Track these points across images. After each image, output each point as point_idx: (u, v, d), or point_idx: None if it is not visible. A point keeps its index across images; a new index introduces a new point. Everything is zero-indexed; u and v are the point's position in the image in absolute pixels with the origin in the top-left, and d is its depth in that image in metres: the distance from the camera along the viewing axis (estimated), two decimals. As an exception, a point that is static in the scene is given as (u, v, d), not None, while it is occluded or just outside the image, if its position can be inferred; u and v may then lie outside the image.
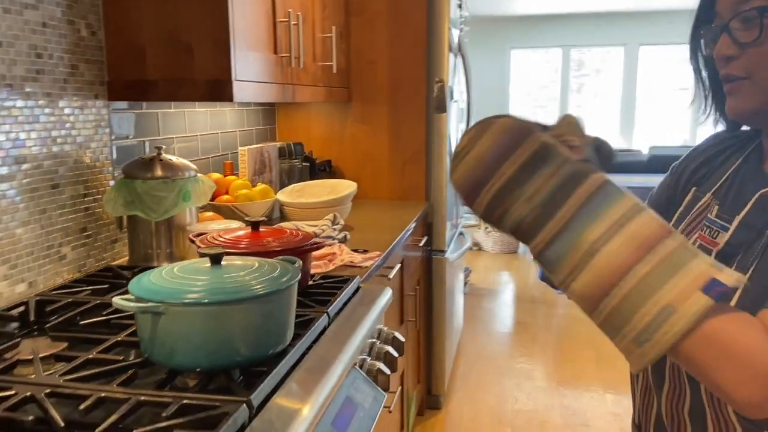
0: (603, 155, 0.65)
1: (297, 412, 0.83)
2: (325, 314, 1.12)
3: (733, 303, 0.70)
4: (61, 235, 1.36)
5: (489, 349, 3.43)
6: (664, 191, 0.94)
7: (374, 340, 1.27)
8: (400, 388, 2.02)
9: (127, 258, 1.54)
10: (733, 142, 0.87)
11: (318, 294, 1.24)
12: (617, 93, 7.51)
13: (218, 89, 1.41)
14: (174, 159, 1.49)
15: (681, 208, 0.88)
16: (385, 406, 1.76)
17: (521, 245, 5.78)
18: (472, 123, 2.88)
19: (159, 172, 1.44)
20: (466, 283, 4.50)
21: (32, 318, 1.08)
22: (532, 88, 7.69)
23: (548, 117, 0.65)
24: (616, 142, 7.27)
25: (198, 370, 0.86)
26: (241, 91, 1.45)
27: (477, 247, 5.75)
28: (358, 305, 1.25)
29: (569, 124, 0.63)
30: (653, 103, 7.42)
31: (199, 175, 1.52)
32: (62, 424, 0.73)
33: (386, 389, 1.16)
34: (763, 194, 0.76)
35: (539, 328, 3.78)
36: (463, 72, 2.87)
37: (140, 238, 1.48)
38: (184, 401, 0.79)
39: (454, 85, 2.69)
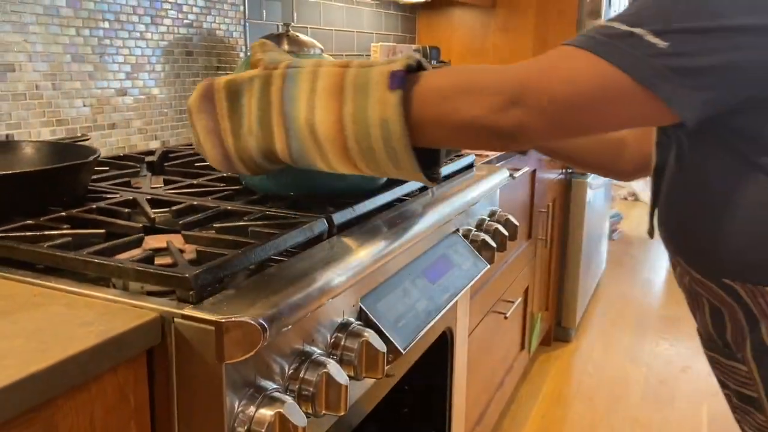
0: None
1: (380, 240, 0.79)
2: (429, 174, 1.07)
3: None
4: (193, 102, 1.43)
5: (631, 294, 3.20)
6: None
7: (485, 217, 1.21)
8: (521, 300, 1.94)
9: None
10: None
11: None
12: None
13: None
14: (302, 36, 1.50)
15: None
16: (499, 312, 1.71)
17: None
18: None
19: (285, 47, 1.45)
20: (615, 230, 4.22)
21: (155, 160, 1.15)
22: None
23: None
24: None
25: (291, 193, 0.86)
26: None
27: (633, 197, 5.35)
28: (467, 178, 1.18)
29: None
30: None
31: (325, 54, 1.52)
32: (152, 216, 0.76)
33: (490, 261, 1.10)
34: None
35: (693, 279, 3.45)
36: (625, -18, 2.60)
37: (266, 114, 1.52)
38: (267, 212, 0.79)
39: (612, -5, 2.45)
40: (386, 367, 0.72)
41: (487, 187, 1.17)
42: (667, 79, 0.56)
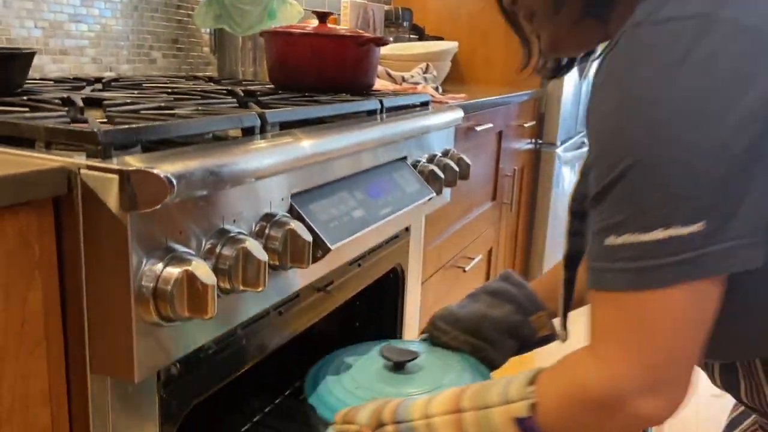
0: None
1: (318, 140, 0.79)
2: (379, 101, 1.07)
3: None
4: (152, 38, 1.42)
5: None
6: None
7: (438, 153, 1.21)
8: (483, 259, 1.95)
9: (218, 81, 1.59)
10: None
11: (378, 94, 1.20)
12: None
13: None
14: (264, -21, 1.49)
15: None
16: (458, 266, 1.72)
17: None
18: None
19: (247, -12, 1.45)
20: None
21: (104, 82, 1.13)
22: None
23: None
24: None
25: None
26: None
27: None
28: (420, 113, 1.19)
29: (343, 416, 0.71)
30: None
31: (288, -2, 1.52)
32: (81, 105, 0.75)
33: (438, 192, 1.10)
34: None
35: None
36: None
37: (227, 54, 1.51)
38: (200, 107, 0.79)
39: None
40: (312, 260, 0.73)
41: (439, 121, 1.18)
42: (737, 249, 0.50)
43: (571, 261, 0.73)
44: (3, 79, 0.78)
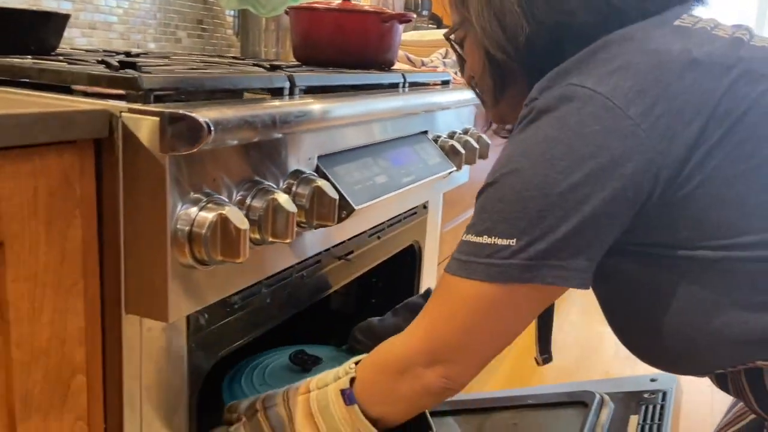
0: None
1: (343, 102, 0.81)
2: (401, 74, 1.08)
3: None
4: (177, 18, 1.45)
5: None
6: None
7: (457, 131, 1.22)
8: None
9: (240, 62, 1.61)
10: None
11: (400, 70, 1.21)
12: None
13: None
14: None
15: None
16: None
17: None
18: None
19: (272, -32, 1.47)
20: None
21: (133, 54, 1.16)
22: None
23: None
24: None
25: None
26: None
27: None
28: (441, 90, 1.20)
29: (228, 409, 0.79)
30: None
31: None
32: (116, 64, 0.77)
33: (458, 168, 1.11)
34: None
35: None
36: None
37: (250, 35, 1.53)
38: (233, 70, 0.80)
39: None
40: (338, 216, 0.74)
41: (460, 97, 1.19)
42: (537, 267, 0.60)
43: None
44: (38, 38, 0.80)
